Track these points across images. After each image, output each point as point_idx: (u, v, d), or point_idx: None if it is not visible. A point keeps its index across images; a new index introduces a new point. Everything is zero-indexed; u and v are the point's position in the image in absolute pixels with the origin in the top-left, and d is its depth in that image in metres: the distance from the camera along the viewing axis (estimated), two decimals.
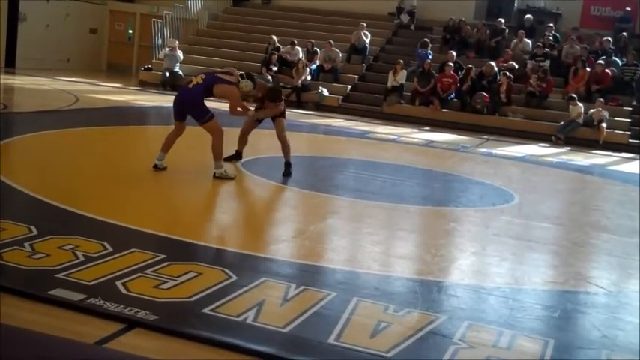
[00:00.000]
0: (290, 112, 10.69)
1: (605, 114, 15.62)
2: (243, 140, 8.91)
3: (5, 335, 3.17)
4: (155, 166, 7.82)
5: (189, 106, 7.71)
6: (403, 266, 5.48)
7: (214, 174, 7.78)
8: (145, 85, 19.02)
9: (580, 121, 15.60)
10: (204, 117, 7.67)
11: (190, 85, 7.73)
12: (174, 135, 7.91)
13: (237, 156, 8.94)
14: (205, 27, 21.85)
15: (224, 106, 8.08)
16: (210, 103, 7.88)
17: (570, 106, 15.70)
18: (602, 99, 15.89)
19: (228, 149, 8.43)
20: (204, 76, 7.79)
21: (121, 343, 3.54)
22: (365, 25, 19.10)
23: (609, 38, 18.08)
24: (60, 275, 4.26)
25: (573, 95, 15.85)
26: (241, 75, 7.90)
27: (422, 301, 4.54)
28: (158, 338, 3.65)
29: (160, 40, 20.60)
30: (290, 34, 19.55)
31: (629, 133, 15.83)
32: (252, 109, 8.26)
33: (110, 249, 4.84)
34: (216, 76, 7.80)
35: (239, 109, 7.88)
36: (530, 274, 5.59)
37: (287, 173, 8.40)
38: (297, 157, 9.10)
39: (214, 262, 4.98)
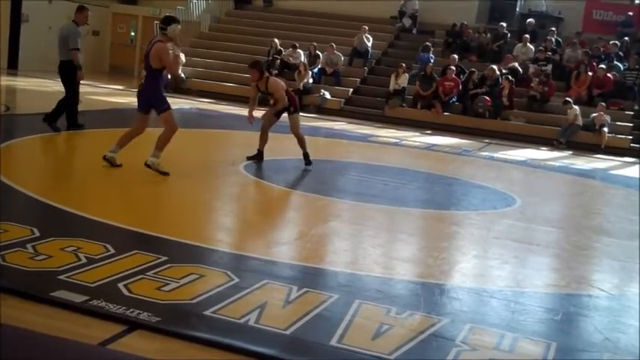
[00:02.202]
0: None
1: (607, 118, 15.63)
2: (263, 138, 9.07)
3: (8, 336, 3.18)
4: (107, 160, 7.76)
5: (148, 100, 7.67)
6: (405, 269, 5.49)
7: (146, 161, 7.61)
8: None
9: (579, 123, 15.61)
10: (161, 107, 7.60)
11: (142, 82, 7.70)
12: (137, 130, 7.89)
13: (259, 155, 9.08)
14: (207, 30, 21.88)
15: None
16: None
17: (568, 111, 15.72)
18: (603, 103, 15.90)
19: (228, 153, 8.44)
20: (144, 66, 7.69)
21: (123, 344, 3.55)
22: (367, 28, 19.12)
23: (617, 42, 18.05)
24: (62, 277, 4.26)
25: (568, 99, 15.88)
26: (161, 27, 7.58)
27: (424, 303, 4.54)
28: (160, 340, 3.65)
29: None
30: (292, 37, 19.56)
31: (630, 137, 15.83)
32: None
33: (112, 251, 4.84)
34: (148, 51, 7.60)
35: (172, 61, 7.64)
36: (532, 277, 5.59)
37: (308, 163, 8.92)
38: (299, 159, 9.10)
39: (216, 264, 4.98)
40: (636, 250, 6.58)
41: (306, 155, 9.00)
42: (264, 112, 9.28)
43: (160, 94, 7.65)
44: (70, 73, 10.06)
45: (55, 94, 13.53)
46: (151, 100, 7.65)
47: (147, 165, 7.56)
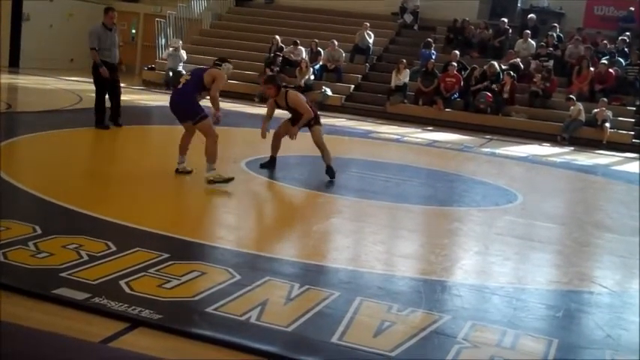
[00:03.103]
0: None
1: (609, 114, 15.61)
2: (275, 144, 8.61)
3: (8, 333, 3.18)
4: (177, 170, 7.71)
5: (182, 107, 7.51)
6: (407, 266, 5.48)
7: (206, 179, 7.38)
8: (149, 85, 19.05)
9: (582, 119, 15.59)
10: (196, 117, 7.43)
11: (180, 85, 7.57)
12: (186, 136, 7.75)
13: (272, 162, 8.63)
14: (209, 27, 21.86)
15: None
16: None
17: (571, 107, 15.72)
18: (605, 99, 15.87)
19: (232, 150, 8.43)
20: (190, 74, 7.65)
21: (125, 342, 3.55)
22: (368, 24, 19.10)
23: (625, 38, 18.01)
24: (64, 274, 4.27)
25: (571, 96, 15.87)
26: (217, 63, 7.70)
27: (425, 300, 4.54)
28: (162, 337, 3.65)
29: (163, 39, 20.63)
30: (293, 34, 19.55)
31: (632, 132, 15.81)
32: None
33: (114, 248, 4.85)
34: (203, 68, 7.67)
35: (218, 96, 7.55)
36: (533, 273, 5.59)
37: (331, 176, 8.32)
38: (301, 156, 9.10)
39: (218, 261, 4.98)
40: (638, 246, 6.57)
41: (329, 168, 8.38)
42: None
43: (197, 103, 7.48)
44: (95, 72, 10.36)
45: (56, 92, 13.55)
46: (187, 108, 7.47)
47: (210, 182, 7.33)
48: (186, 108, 7.50)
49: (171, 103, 7.64)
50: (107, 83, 10.36)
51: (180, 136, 7.81)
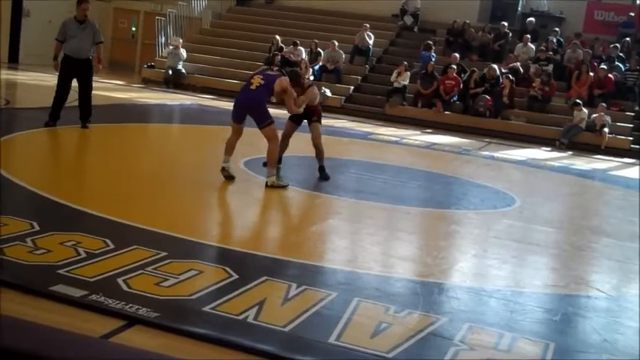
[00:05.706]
0: None
1: (608, 119, 15.62)
2: (283, 144, 8.53)
3: (10, 327, 3.17)
4: (222, 169, 7.69)
5: (254, 109, 7.49)
6: (404, 268, 5.49)
7: (266, 183, 7.56)
8: (148, 83, 19.03)
9: (582, 125, 15.60)
10: (265, 121, 7.47)
11: (253, 87, 7.46)
12: (234, 139, 7.74)
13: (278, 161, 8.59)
14: (209, 26, 21.86)
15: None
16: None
17: (575, 112, 15.70)
18: (604, 104, 15.88)
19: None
20: (262, 77, 7.56)
21: (122, 339, 3.55)
22: (368, 26, 19.09)
23: (617, 44, 18.06)
24: (61, 271, 4.27)
25: (578, 101, 15.82)
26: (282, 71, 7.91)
27: (423, 302, 4.54)
28: (159, 336, 3.65)
29: (163, 38, 20.61)
30: (293, 34, 19.55)
31: (631, 138, 15.82)
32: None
33: (112, 246, 4.85)
34: (272, 74, 7.70)
35: (295, 103, 7.82)
36: (531, 277, 5.60)
37: (323, 177, 8.41)
38: (300, 157, 9.10)
39: (216, 260, 4.99)
40: (635, 251, 6.58)
41: (321, 169, 8.50)
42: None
43: (266, 108, 7.54)
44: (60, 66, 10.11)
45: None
46: (258, 112, 7.48)
47: (268, 186, 7.55)
48: (258, 111, 7.49)
49: (241, 103, 7.59)
50: (68, 78, 10.02)
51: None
